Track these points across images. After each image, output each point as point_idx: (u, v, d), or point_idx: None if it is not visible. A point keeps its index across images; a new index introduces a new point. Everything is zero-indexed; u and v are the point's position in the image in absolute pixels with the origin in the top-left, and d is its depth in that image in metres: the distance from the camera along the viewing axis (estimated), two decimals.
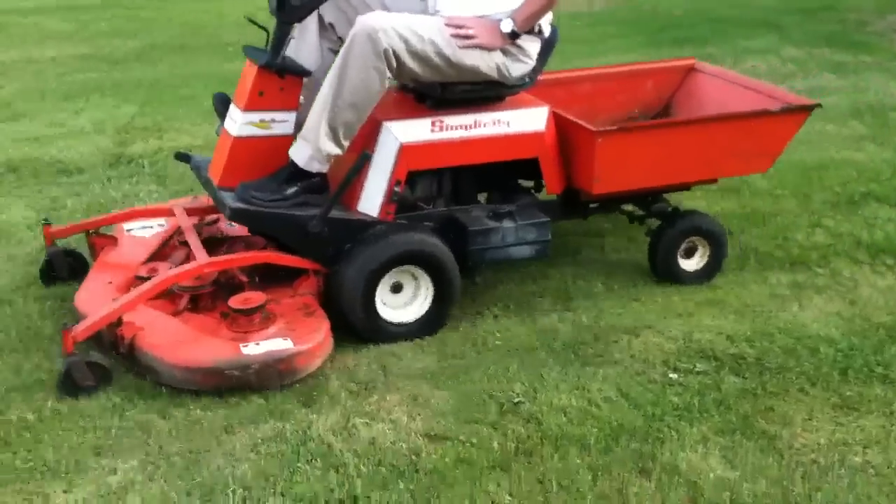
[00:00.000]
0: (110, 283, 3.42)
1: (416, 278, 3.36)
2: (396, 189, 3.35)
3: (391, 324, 3.33)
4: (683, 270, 3.76)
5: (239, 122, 3.30)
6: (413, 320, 3.37)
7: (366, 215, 3.35)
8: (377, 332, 3.31)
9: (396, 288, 3.37)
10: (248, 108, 3.28)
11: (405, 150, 3.32)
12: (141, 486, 2.60)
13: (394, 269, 3.29)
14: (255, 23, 3.43)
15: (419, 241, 3.32)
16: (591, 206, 3.81)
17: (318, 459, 2.70)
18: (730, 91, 4.07)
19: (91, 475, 2.64)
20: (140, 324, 3.12)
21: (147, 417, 2.89)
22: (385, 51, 3.13)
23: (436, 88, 3.38)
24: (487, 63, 3.32)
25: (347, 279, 3.25)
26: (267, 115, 3.31)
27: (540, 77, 3.72)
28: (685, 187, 3.96)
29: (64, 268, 3.70)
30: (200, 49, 7.99)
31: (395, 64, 3.17)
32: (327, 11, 3.46)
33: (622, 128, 3.62)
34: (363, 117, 3.25)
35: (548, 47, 3.53)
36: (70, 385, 2.96)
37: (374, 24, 3.13)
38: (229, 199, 3.27)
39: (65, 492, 2.58)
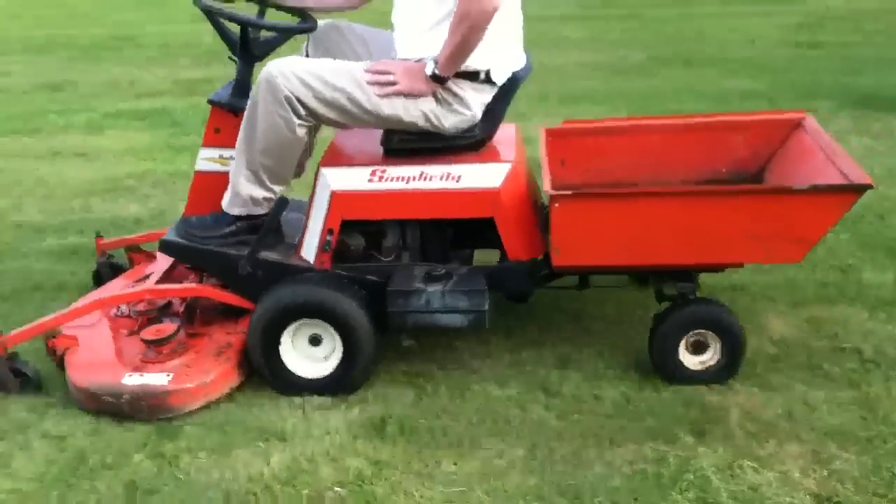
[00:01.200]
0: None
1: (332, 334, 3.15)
2: (329, 238, 3.17)
3: (296, 376, 3.16)
4: (685, 367, 3.12)
5: (199, 157, 3.39)
6: (321, 377, 3.15)
7: (304, 261, 3.23)
8: (279, 381, 3.17)
9: (316, 341, 3.17)
10: (206, 144, 3.36)
11: (337, 198, 3.14)
12: (518, 473, 2.75)
13: (300, 321, 3.12)
14: (232, 59, 3.37)
15: (322, 295, 3.09)
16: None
17: (692, 492, 2.63)
18: (816, 159, 3.22)
19: (479, 453, 2.84)
20: (80, 339, 3.27)
21: (546, 415, 3.03)
22: (287, 97, 2.98)
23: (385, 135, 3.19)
24: (410, 112, 3.04)
25: (252, 322, 3.14)
26: (225, 152, 3.31)
27: (597, 124, 3.56)
28: (713, 269, 3.32)
29: (109, 278, 3.90)
30: (703, 63, 7.98)
31: (302, 111, 3.02)
32: (313, 49, 3.36)
33: (585, 192, 3.01)
34: (285, 161, 3.17)
35: (501, 95, 3.14)
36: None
37: (274, 70, 2.98)
38: (169, 232, 3.35)
39: (454, 463, 2.81)
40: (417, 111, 3.06)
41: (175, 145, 6.03)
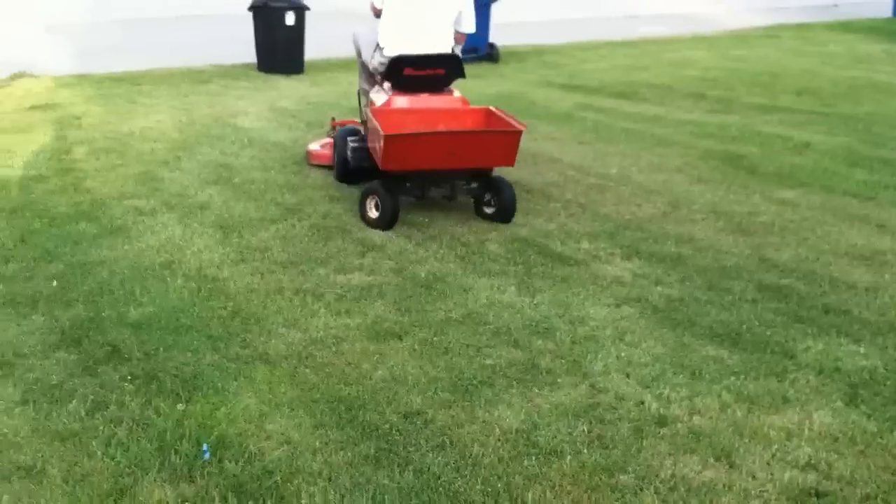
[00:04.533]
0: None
1: None
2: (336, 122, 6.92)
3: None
4: (371, 218, 5.47)
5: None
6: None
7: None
8: (336, 169, 6.40)
9: None
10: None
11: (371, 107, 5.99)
12: None
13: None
14: None
15: (343, 136, 6.21)
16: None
17: None
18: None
19: None
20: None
21: None
22: (353, 42, 6.37)
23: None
24: (372, 59, 6.05)
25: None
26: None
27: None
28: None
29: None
30: None
31: (356, 49, 6.38)
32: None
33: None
34: (367, 72, 6.29)
35: (397, 63, 5.76)
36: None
37: (353, 28, 6.46)
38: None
39: None
40: (370, 58, 6.10)
41: None
